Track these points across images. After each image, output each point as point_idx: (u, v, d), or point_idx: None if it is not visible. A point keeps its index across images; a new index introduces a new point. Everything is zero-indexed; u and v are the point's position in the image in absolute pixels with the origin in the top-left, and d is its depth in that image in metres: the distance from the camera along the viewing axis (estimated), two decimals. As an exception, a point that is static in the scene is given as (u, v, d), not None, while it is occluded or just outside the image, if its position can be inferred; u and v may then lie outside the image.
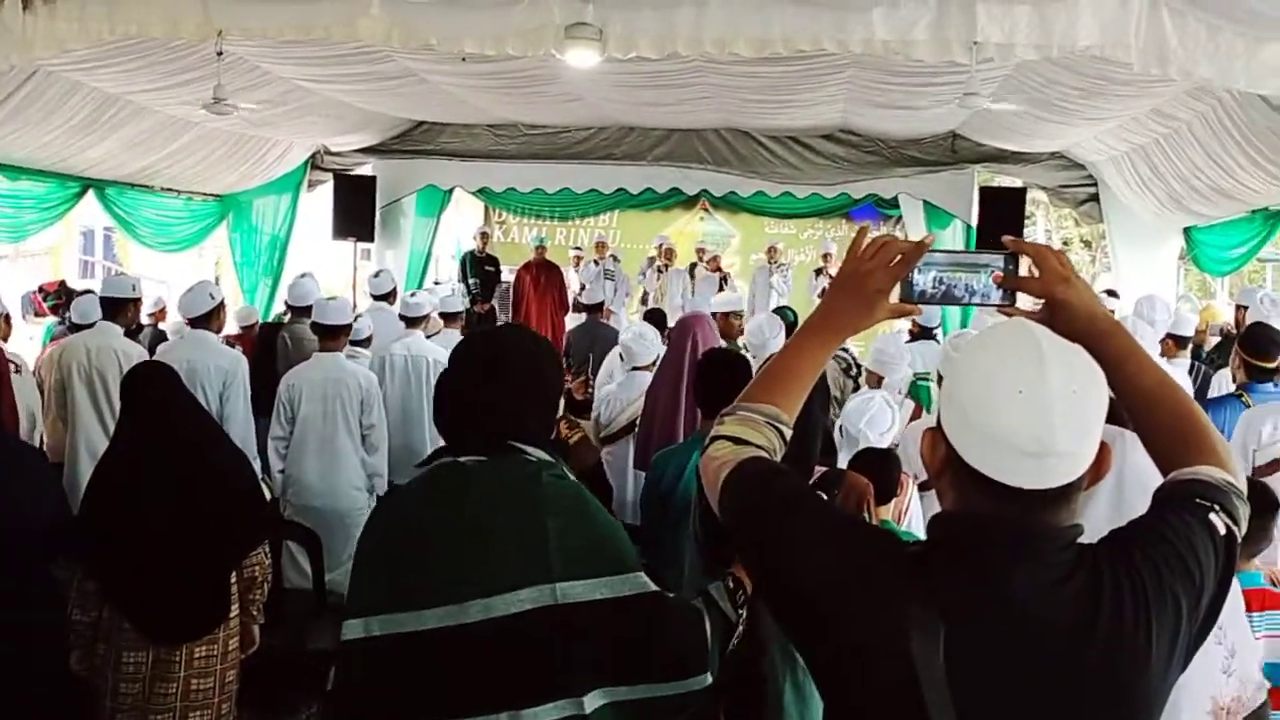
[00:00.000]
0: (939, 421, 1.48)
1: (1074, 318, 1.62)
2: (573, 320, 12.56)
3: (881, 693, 1.41)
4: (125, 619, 3.64)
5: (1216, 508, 1.48)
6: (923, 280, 1.68)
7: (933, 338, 8.10)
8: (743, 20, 6.27)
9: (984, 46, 6.10)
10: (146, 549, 3.61)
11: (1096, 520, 1.61)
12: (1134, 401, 1.63)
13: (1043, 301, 1.66)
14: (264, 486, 5.99)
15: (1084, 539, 1.47)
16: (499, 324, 5.06)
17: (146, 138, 9.50)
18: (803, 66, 8.12)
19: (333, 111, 10.59)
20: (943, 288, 1.68)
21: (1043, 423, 1.35)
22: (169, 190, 11.00)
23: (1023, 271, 1.69)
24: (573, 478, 2.14)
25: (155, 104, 8.95)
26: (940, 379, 5.43)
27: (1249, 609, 2.99)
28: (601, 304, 10.12)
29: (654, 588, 2.00)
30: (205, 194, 11.78)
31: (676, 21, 6.36)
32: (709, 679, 1.97)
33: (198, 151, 10.40)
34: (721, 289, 13.16)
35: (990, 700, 1.37)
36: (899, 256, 1.67)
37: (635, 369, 5.67)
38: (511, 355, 2.19)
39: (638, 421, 5.27)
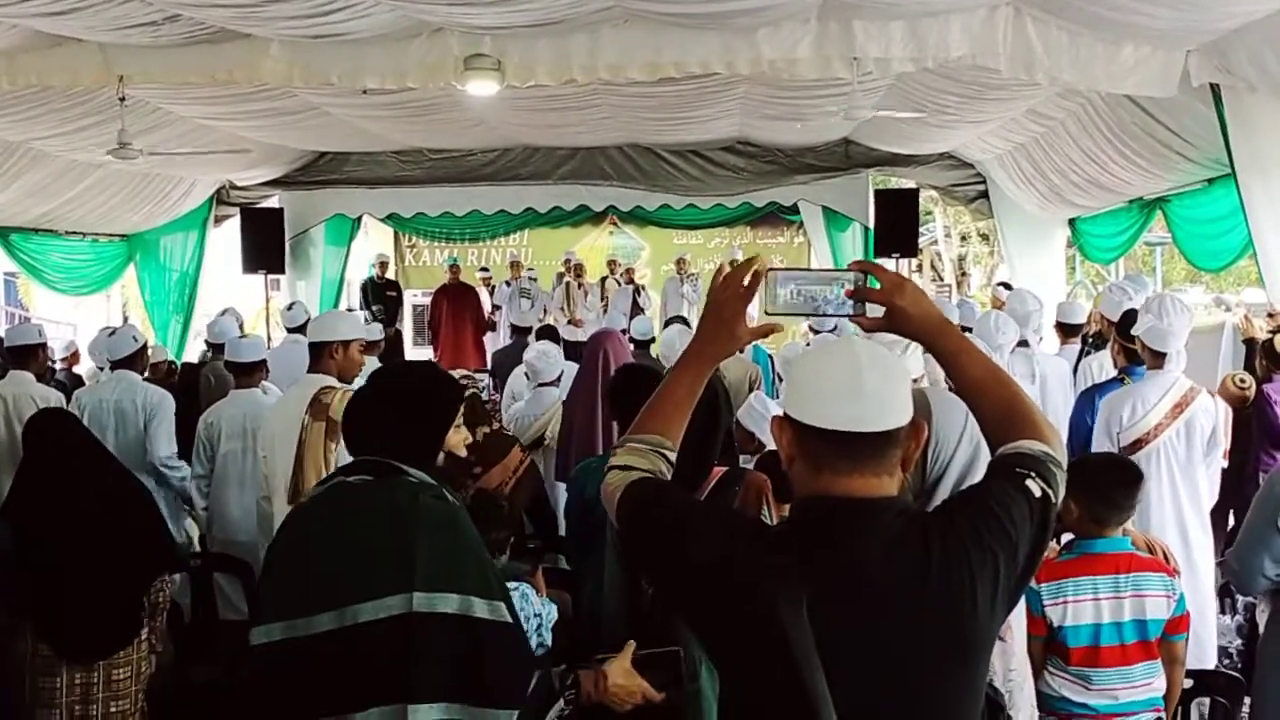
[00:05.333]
0: (784, 411, 1.77)
1: (909, 320, 1.90)
2: (496, 341, 12.69)
3: (762, 658, 1.65)
4: (42, 639, 3.80)
5: (1033, 474, 1.75)
6: (784, 292, 1.95)
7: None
8: (635, 46, 6.53)
9: (863, 61, 6.45)
10: (61, 573, 3.78)
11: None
12: (966, 388, 1.92)
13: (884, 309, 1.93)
14: (193, 521, 6.09)
15: None
16: (399, 361, 5.21)
17: (50, 183, 9.47)
18: (697, 85, 8.40)
19: (236, 147, 10.64)
20: (800, 299, 1.95)
21: (854, 372, 1.69)
22: (74, 233, 10.95)
23: None
24: (452, 499, 2.39)
25: (57, 149, 8.94)
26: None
27: (1117, 571, 3.31)
28: (530, 327, 10.26)
29: (506, 617, 2.23)
30: (111, 235, 11.73)
31: (572, 50, 6.60)
32: (515, 717, 2.21)
33: (101, 194, 10.38)
34: (635, 301, 13.44)
35: (850, 652, 1.63)
36: (744, 284, 1.96)
37: (541, 385, 5.88)
38: (398, 389, 2.49)
39: (546, 435, 5.51)
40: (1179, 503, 4.88)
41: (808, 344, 8.16)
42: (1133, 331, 5.10)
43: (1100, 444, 4.85)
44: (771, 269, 1.94)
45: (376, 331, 8.21)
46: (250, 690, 2.30)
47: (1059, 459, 1.80)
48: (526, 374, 6.15)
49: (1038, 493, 1.73)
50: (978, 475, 2.02)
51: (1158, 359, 4.94)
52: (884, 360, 1.72)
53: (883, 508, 1.70)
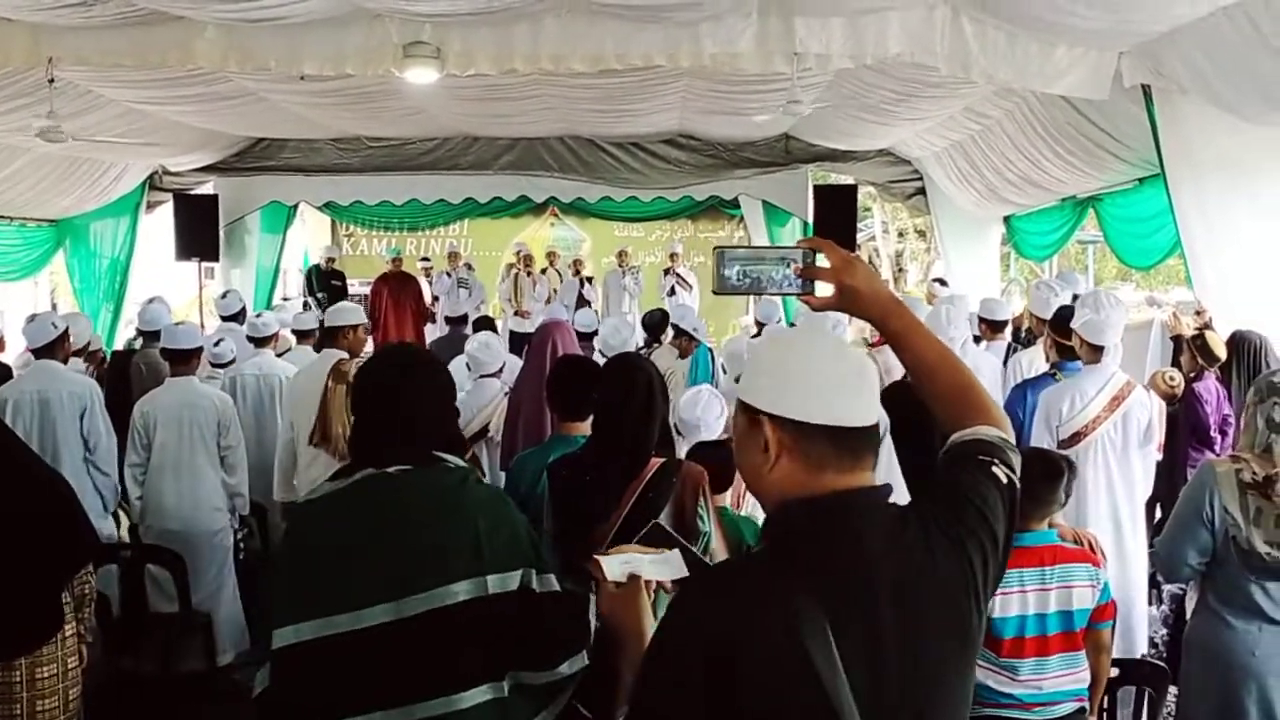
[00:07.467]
0: (758, 416, 1.62)
1: (859, 299, 1.85)
2: (434, 332, 12.61)
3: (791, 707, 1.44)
4: None
5: (996, 461, 1.71)
6: (732, 273, 1.89)
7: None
8: (577, 37, 6.51)
9: (804, 57, 6.49)
10: None
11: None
12: (917, 370, 1.87)
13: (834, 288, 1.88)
14: (122, 512, 5.98)
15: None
16: (398, 345, 5.35)
17: (-26, 166, 9.22)
18: (638, 77, 8.39)
19: (170, 132, 10.42)
20: (748, 278, 1.89)
21: (855, 365, 1.62)
22: (1, 218, 10.66)
23: None
24: (486, 481, 2.40)
25: (-18, 131, 8.70)
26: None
27: (1042, 564, 3.36)
28: (465, 316, 10.22)
29: (557, 586, 2.27)
30: (39, 219, 11.43)
31: (513, 39, 6.56)
32: (586, 659, 2.25)
33: (29, 177, 10.08)
34: (581, 294, 13.43)
35: (872, 662, 1.52)
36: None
37: (483, 376, 5.85)
38: (422, 372, 2.43)
39: (490, 426, 5.47)
40: (1114, 494, 4.96)
41: (754, 336, 8.18)
42: (1071, 325, 5.17)
43: (1040, 438, 4.91)
44: (718, 247, 1.91)
45: (310, 320, 8.11)
46: (283, 694, 2.23)
47: (1012, 443, 1.78)
48: (468, 364, 6.12)
49: (1004, 479, 1.70)
50: None
51: (1095, 353, 5.01)
52: (862, 352, 1.69)
53: (878, 500, 1.62)
